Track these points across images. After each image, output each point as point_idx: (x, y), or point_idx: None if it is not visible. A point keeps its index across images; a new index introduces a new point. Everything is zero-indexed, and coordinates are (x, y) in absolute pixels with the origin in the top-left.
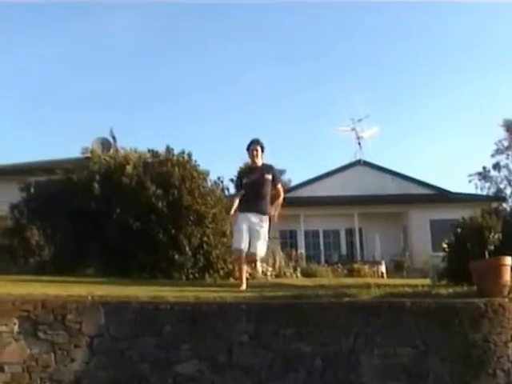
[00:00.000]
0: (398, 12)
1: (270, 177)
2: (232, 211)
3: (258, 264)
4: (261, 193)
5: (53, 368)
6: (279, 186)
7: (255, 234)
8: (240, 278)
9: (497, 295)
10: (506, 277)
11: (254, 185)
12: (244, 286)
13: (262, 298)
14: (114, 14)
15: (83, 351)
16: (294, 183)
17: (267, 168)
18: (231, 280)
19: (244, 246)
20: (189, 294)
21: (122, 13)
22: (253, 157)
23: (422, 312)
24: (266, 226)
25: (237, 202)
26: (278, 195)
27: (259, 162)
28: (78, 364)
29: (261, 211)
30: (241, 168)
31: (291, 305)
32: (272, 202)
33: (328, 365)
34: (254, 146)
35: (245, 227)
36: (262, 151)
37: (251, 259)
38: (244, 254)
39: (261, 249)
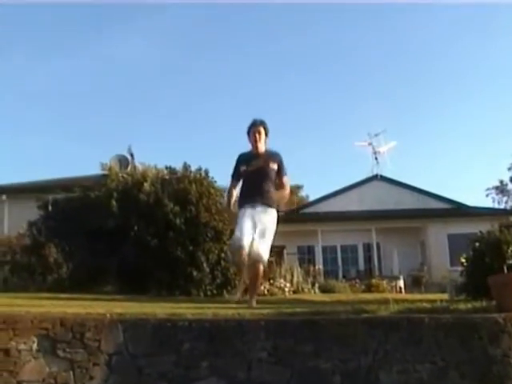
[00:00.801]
0: (410, 21)
1: (275, 166)
2: (230, 204)
3: (261, 268)
4: (263, 185)
5: None
6: (285, 178)
7: (258, 231)
8: (240, 285)
9: None
10: None
11: (256, 175)
12: (238, 295)
13: (280, 314)
14: (127, 34)
15: (102, 369)
16: (311, 199)
17: (272, 155)
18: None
19: (246, 243)
20: (207, 310)
21: (134, 30)
22: (255, 141)
23: (440, 327)
24: (271, 221)
25: (235, 193)
26: (283, 188)
27: (262, 147)
28: (97, 382)
29: (265, 204)
30: (240, 154)
31: (309, 321)
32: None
33: (347, 381)
34: (256, 127)
35: (248, 223)
36: (266, 135)
37: (255, 261)
38: (246, 253)
39: (263, 249)
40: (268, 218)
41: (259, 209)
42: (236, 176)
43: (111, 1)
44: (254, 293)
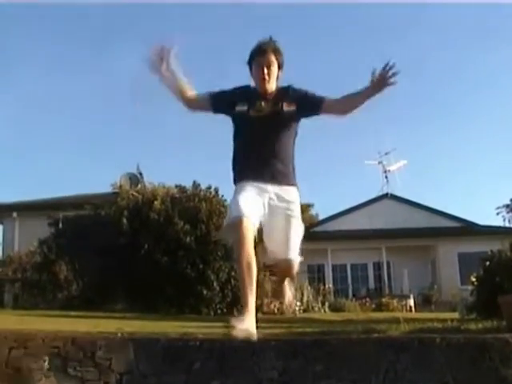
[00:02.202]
0: (421, 39)
1: (293, 107)
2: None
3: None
4: (276, 147)
5: None
6: (326, 100)
7: (278, 227)
8: (245, 299)
9: None
10: None
11: (264, 127)
12: (248, 318)
13: (290, 334)
14: (135, 47)
15: None
16: (321, 217)
17: (286, 92)
18: (259, 315)
19: (248, 211)
20: (217, 330)
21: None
22: (262, 79)
23: (451, 348)
24: (296, 209)
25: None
26: (338, 106)
27: (272, 85)
28: None
29: (282, 179)
30: (238, 86)
31: (320, 341)
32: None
33: None
34: (263, 56)
35: (252, 195)
36: (280, 68)
37: (285, 269)
38: (249, 222)
39: (294, 251)
40: (288, 202)
41: (272, 185)
42: (217, 101)
43: (117, 15)
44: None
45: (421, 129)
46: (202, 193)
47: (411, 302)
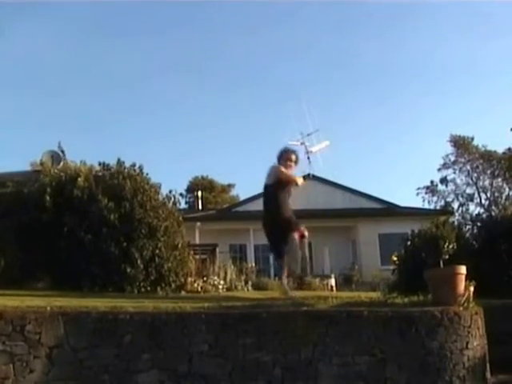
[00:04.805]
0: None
1: None
2: None
3: None
4: None
5: (11, 379)
6: None
7: None
8: None
9: (452, 304)
10: (461, 286)
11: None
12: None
13: (220, 307)
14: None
15: (42, 362)
16: (243, 197)
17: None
18: (183, 293)
19: None
20: (148, 304)
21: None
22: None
23: (379, 320)
24: None
25: None
26: None
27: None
28: (38, 375)
29: None
30: None
31: (250, 314)
32: None
33: (287, 374)
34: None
35: None
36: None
37: None
38: None
39: None
40: None
41: None
42: None
43: None
44: None
45: (344, 111)
46: (126, 170)
47: (332, 281)
